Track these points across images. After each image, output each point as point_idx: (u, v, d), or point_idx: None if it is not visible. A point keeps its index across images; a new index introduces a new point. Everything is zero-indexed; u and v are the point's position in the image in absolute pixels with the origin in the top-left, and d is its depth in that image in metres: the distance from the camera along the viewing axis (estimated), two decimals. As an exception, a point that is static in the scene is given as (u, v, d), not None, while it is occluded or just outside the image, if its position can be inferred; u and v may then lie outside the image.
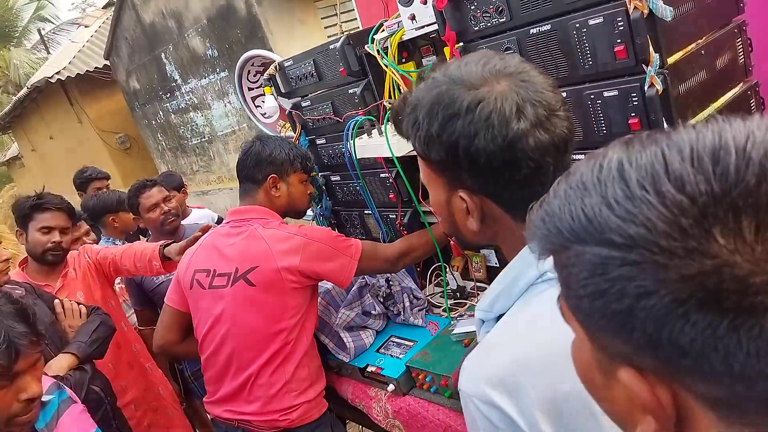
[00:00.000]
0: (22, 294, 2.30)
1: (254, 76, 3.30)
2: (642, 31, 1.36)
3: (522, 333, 0.75)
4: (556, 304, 0.72)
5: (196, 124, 9.20)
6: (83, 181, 3.82)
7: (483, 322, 0.82)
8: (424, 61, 2.19)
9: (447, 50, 1.88)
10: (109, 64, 10.38)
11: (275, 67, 2.62)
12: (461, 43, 1.83)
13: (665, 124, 1.42)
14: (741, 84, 1.73)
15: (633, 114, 1.48)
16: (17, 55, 18.49)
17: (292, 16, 7.01)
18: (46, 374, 1.45)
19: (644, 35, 1.36)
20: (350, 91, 2.22)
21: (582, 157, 1.59)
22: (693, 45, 1.55)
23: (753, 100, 1.75)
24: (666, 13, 1.32)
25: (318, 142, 2.63)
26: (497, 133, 0.73)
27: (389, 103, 2.08)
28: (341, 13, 5.64)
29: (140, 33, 9.20)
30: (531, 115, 0.74)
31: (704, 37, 1.59)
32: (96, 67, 10.55)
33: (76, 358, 2.11)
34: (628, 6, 1.36)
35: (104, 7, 12.39)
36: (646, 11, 1.33)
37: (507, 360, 0.73)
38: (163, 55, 9.00)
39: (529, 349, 0.73)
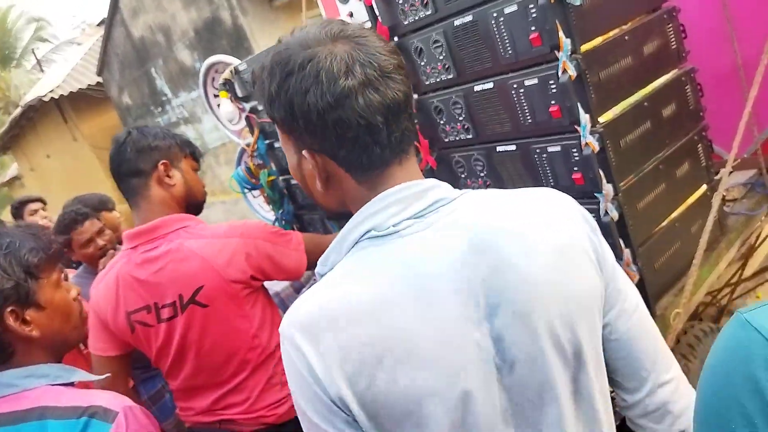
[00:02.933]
0: None
1: (220, 84, 3.32)
2: (550, 17, 1.35)
3: (335, 285, 0.79)
4: (369, 260, 0.79)
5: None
6: (16, 207, 3.91)
7: (321, 276, 0.84)
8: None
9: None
10: (102, 80, 10.47)
11: (231, 72, 2.62)
12: (395, 38, 1.82)
13: (581, 113, 1.41)
14: (674, 70, 1.71)
15: (553, 102, 1.46)
16: (17, 76, 18.69)
17: (277, 26, 7.05)
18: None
19: (552, 21, 1.35)
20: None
21: (512, 148, 1.58)
22: (616, 30, 1.53)
23: (689, 86, 1.73)
24: (574, -3, 1.31)
25: (276, 145, 2.63)
26: (326, 90, 0.75)
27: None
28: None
29: (130, 48, 9.27)
30: (359, 74, 0.76)
31: (629, 23, 1.57)
32: (89, 85, 10.64)
33: None
34: (537, -8, 1.35)
35: (98, 25, 12.52)
36: (553, -4, 1.32)
37: (315, 308, 0.77)
38: (153, 70, 9.07)
39: (336, 300, 0.77)
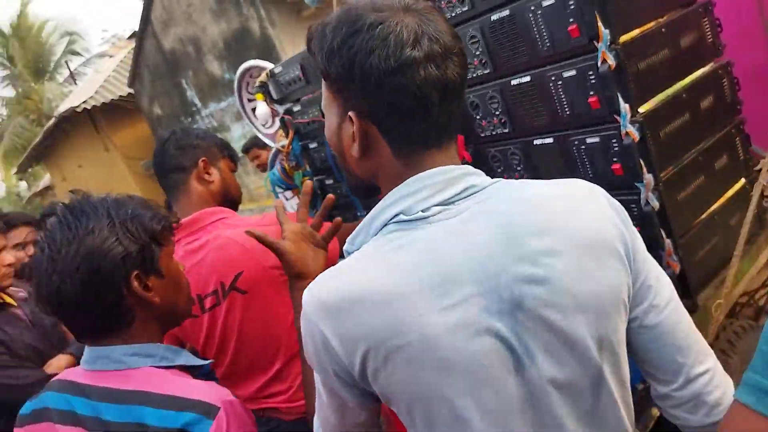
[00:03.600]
0: (25, 297, 2.37)
1: (253, 87, 3.40)
2: (589, 8, 1.37)
3: (358, 267, 0.81)
4: (394, 245, 0.80)
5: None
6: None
7: (348, 254, 0.86)
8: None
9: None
10: (133, 92, 10.74)
11: (267, 74, 2.68)
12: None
13: (621, 101, 1.42)
14: (711, 63, 1.71)
15: (592, 93, 1.48)
16: (50, 89, 19.24)
17: (305, 37, 7.16)
18: None
19: (591, 12, 1.37)
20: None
21: (550, 140, 1.60)
22: (653, 23, 1.55)
23: (725, 79, 1.73)
24: (613, -13, 1.33)
25: (311, 146, 2.68)
26: (391, 53, 0.76)
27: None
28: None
29: (161, 60, 9.50)
30: (426, 47, 0.77)
31: (665, 16, 1.59)
32: (120, 96, 10.92)
33: (75, 358, 2.16)
34: (577, -17, 1.37)
35: (129, 38, 12.86)
36: (593, -13, 1.34)
37: (336, 288, 0.79)
38: (183, 81, 9.28)
39: (357, 283, 0.78)
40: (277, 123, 3.55)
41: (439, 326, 0.75)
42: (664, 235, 1.54)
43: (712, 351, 0.91)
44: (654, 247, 1.57)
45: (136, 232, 1.14)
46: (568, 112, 1.57)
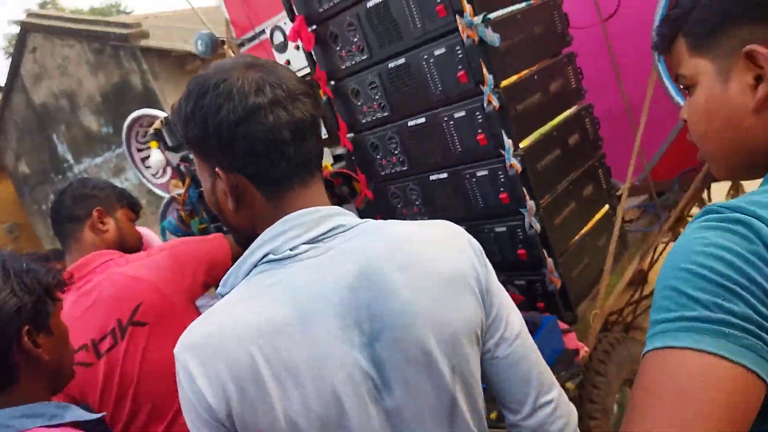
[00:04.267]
0: None
1: (143, 136, 3.33)
2: (476, 56, 1.57)
3: (228, 307, 0.83)
4: (263, 284, 0.82)
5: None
6: None
7: (221, 296, 0.88)
8: (303, 104, 2.33)
9: (320, 91, 2.03)
10: (-5, 148, 9.90)
11: (161, 121, 2.67)
12: (332, 82, 1.99)
13: (505, 138, 1.62)
14: (575, 106, 1.99)
15: (480, 130, 1.67)
16: None
17: (190, 90, 7.09)
18: None
19: (477, 59, 1.57)
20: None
21: (444, 175, 1.75)
22: (527, 70, 1.78)
23: (587, 119, 2.02)
24: (494, 39, 1.54)
25: (208, 192, 2.67)
26: (237, 105, 0.81)
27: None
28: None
29: (31, 115, 8.91)
30: (269, 94, 0.83)
31: (537, 65, 1.84)
32: (-20, 153, 10.01)
33: None
34: (462, 35, 1.57)
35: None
36: (476, 38, 1.55)
37: (207, 330, 0.81)
38: (54, 136, 8.74)
39: (227, 323, 0.80)
40: (169, 172, 3.50)
41: (302, 361, 0.78)
42: (546, 255, 1.73)
43: (557, 382, 0.97)
44: (538, 266, 1.76)
45: (31, 284, 1.12)
46: (459, 149, 1.75)
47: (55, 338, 1.17)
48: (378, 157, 1.97)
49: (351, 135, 2.02)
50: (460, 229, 0.95)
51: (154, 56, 7.02)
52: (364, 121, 1.95)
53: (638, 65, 2.22)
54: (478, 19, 1.55)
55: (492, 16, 1.62)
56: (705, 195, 2.66)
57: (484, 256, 0.94)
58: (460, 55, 1.61)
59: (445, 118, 1.73)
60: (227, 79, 0.83)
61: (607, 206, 2.08)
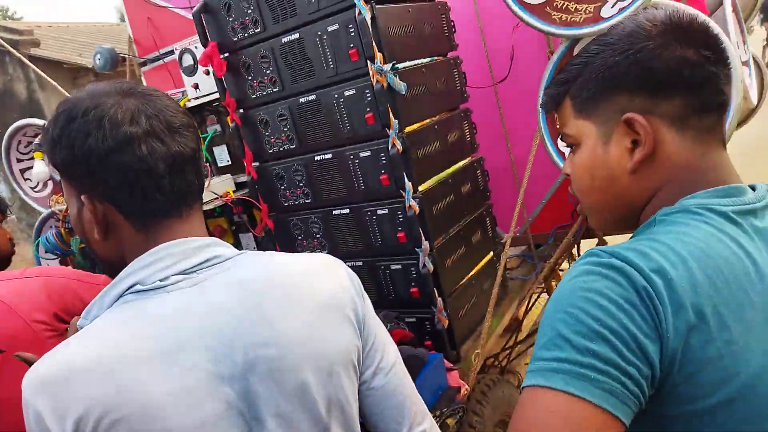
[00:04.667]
0: None
1: (25, 146, 3.09)
2: (383, 100, 1.67)
3: (85, 339, 0.77)
4: (127, 315, 0.78)
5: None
6: None
7: (81, 328, 0.83)
8: (209, 129, 2.32)
9: (228, 118, 2.04)
10: None
11: (50, 133, 2.52)
12: (241, 110, 2.01)
13: (406, 180, 1.72)
14: (469, 157, 2.15)
15: (383, 171, 1.76)
16: None
17: (79, 104, 6.74)
18: None
19: (385, 104, 1.67)
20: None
21: (347, 211, 1.80)
22: (428, 120, 1.92)
23: (479, 171, 2.18)
24: (401, 87, 1.65)
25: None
26: (108, 134, 0.78)
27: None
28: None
29: None
30: (144, 124, 0.80)
31: (438, 116, 1.98)
32: None
33: None
34: (372, 80, 1.67)
35: None
36: (385, 84, 1.65)
37: (58, 362, 0.75)
38: None
39: (81, 355, 0.75)
40: (50, 186, 3.28)
41: (164, 395, 0.73)
42: (436, 294, 1.83)
43: (429, 413, 0.99)
44: (428, 304, 1.85)
45: None
46: (363, 187, 1.82)
47: None
48: (282, 187, 1.99)
49: (256, 164, 2.04)
50: (338, 261, 0.95)
51: (42, 66, 6.58)
52: (270, 151, 1.98)
53: (526, 126, 2.44)
54: (387, 67, 1.66)
55: (400, 66, 1.74)
56: (575, 250, 2.93)
57: (362, 288, 0.95)
58: (369, 98, 1.71)
59: (351, 156, 1.80)
60: (99, 105, 0.79)
61: (491, 253, 2.24)
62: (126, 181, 0.79)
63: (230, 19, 1.90)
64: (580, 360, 0.63)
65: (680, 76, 0.73)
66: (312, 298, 0.85)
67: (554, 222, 2.70)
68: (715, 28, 0.80)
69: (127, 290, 0.80)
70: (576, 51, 1.99)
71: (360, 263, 1.89)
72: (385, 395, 0.92)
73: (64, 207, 2.70)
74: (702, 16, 0.79)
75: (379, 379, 0.92)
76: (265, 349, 0.79)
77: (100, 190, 0.81)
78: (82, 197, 0.82)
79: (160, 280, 0.79)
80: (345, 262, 0.95)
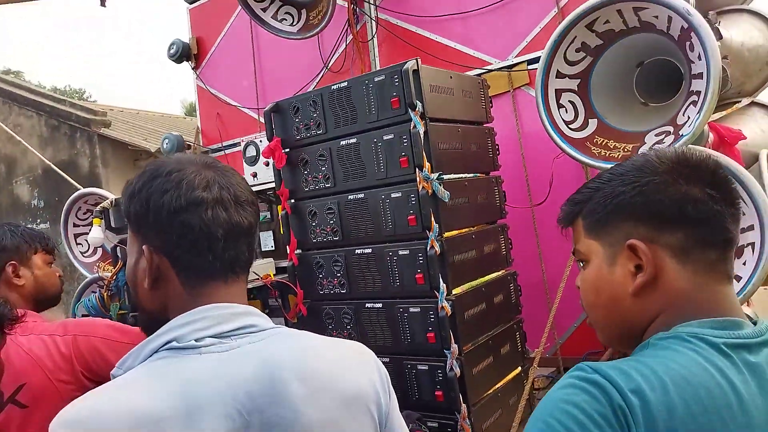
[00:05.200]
0: None
1: (84, 213, 3.30)
2: (427, 205, 1.78)
3: (116, 389, 0.81)
4: (159, 371, 0.81)
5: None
6: None
7: (114, 378, 0.87)
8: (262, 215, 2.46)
9: (279, 207, 2.18)
10: None
11: (110, 202, 2.72)
12: (292, 200, 2.15)
13: (441, 282, 1.78)
14: (504, 270, 2.21)
15: (419, 270, 1.83)
16: None
17: (136, 184, 7.14)
18: None
19: (428, 209, 1.78)
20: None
21: (379, 305, 1.87)
22: (466, 229, 2.01)
23: (512, 285, 2.23)
24: (444, 195, 1.77)
25: (139, 280, 2.66)
26: (182, 194, 0.86)
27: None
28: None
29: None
30: (216, 192, 0.88)
31: (476, 227, 2.07)
32: None
33: None
34: (419, 186, 1.79)
35: None
36: (430, 191, 1.77)
37: (87, 409, 0.78)
38: (-22, 198, 8.36)
39: (110, 404, 0.78)
40: (99, 253, 3.44)
41: None
42: (461, 400, 1.82)
43: None
44: (452, 410, 1.84)
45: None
46: (398, 283, 1.89)
47: None
48: (320, 276, 2.07)
49: (299, 251, 2.14)
50: (370, 353, 0.96)
51: (108, 145, 7.10)
52: (314, 240, 2.09)
53: (560, 248, 2.51)
54: (434, 176, 1.79)
55: (446, 177, 1.86)
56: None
57: (390, 383, 0.96)
58: (414, 202, 1.82)
59: (390, 253, 1.89)
60: (182, 170, 0.88)
61: (519, 368, 2.22)
62: (186, 239, 0.86)
63: (296, 120, 2.09)
64: None
65: (683, 211, 0.77)
66: (336, 387, 0.87)
67: (586, 347, 2.67)
68: (727, 168, 0.87)
69: (163, 346, 0.84)
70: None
71: (387, 359, 1.91)
72: None
73: (110, 274, 2.83)
74: (714, 157, 0.83)
75: None
76: (280, 428, 0.80)
77: (161, 243, 0.87)
78: (144, 247, 0.88)
79: (195, 340, 0.83)
80: None
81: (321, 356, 0.89)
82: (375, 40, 3.48)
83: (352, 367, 0.91)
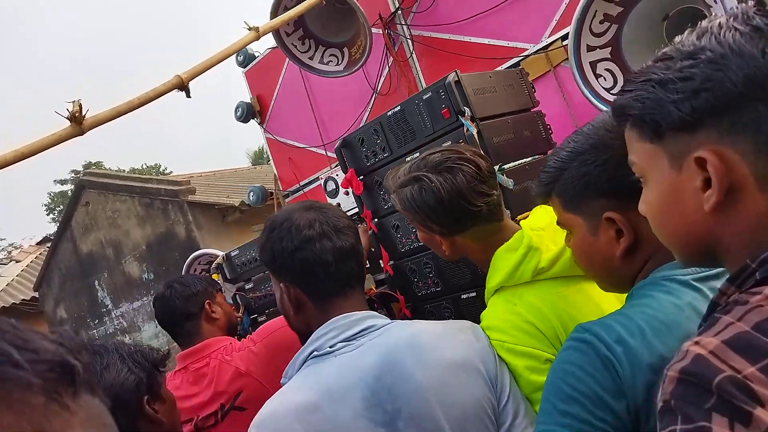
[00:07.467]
0: None
1: (200, 273, 3.74)
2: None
3: (284, 393, 1.08)
4: (310, 375, 1.08)
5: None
6: None
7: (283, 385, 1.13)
8: (349, 240, 2.74)
9: (367, 226, 2.44)
10: (37, 296, 10.44)
11: (223, 257, 3.09)
12: (376, 219, 2.41)
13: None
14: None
15: (502, 254, 2.02)
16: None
17: (230, 239, 7.69)
18: None
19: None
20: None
21: (473, 294, 2.08)
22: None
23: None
24: (508, 183, 1.96)
25: (259, 320, 3.00)
26: (293, 237, 1.11)
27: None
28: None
29: (75, 263, 9.54)
30: (318, 228, 1.12)
31: (544, 205, 2.24)
32: (23, 299, 10.55)
33: None
34: (484, 180, 1.99)
35: (39, 243, 12.78)
36: (495, 182, 1.97)
37: (269, 410, 1.05)
38: (96, 282, 9.27)
39: (282, 405, 1.04)
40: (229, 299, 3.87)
41: (341, 429, 0.99)
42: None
43: None
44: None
45: (142, 362, 1.37)
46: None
47: (167, 405, 1.41)
48: (415, 280, 2.31)
49: (392, 262, 2.39)
50: (470, 325, 1.18)
51: (198, 209, 7.73)
52: (402, 250, 2.33)
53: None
54: (495, 168, 1.98)
55: (506, 166, 2.05)
56: None
57: (494, 350, 1.14)
58: (482, 195, 2.02)
59: (472, 246, 2.10)
60: (289, 218, 1.12)
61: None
62: (306, 270, 1.11)
63: (363, 149, 2.36)
64: (561, 421, 0.79)
65: None
66: (444, 357, 1.07)
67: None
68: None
69: (309, 356, 1.11)
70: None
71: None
72: None
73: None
74: None
75: None
76: (407, 399, 1.01)
77: (291, 278, 1.15)
78: (281, 285, 1.17)
79: (330, 347, 1.08)
80: None
81: (427, 336, 1.10)
82: (414, 56, 3.72)
83: (454, 338, 1.12)
